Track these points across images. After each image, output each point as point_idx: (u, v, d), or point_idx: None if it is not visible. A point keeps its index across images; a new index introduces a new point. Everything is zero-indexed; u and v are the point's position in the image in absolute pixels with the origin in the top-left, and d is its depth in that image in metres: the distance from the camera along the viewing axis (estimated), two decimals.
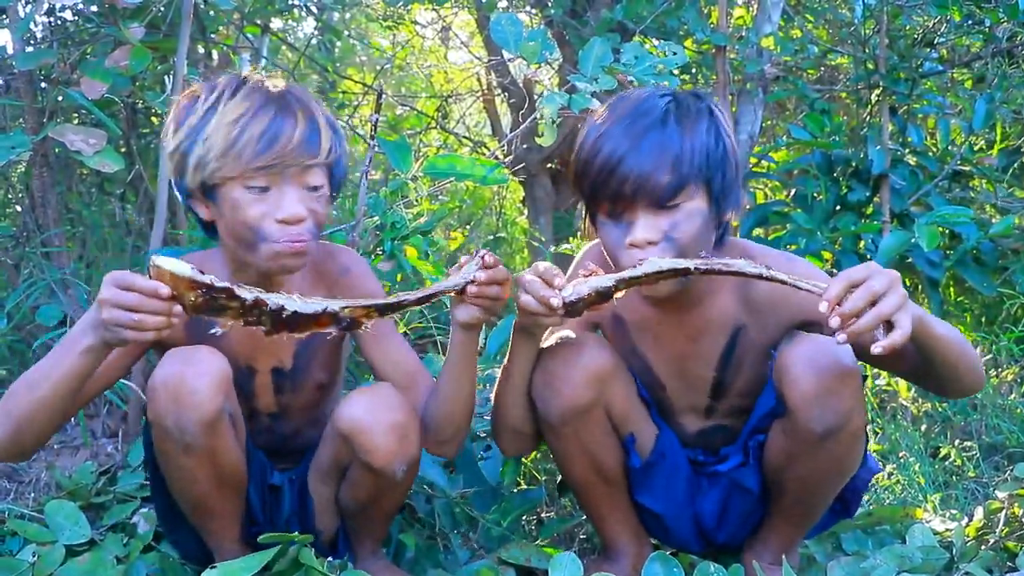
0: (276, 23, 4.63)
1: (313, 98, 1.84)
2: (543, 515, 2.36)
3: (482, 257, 1.69)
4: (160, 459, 1.80)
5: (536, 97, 2.53)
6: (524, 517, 2.30)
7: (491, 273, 1.67)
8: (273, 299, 1.53)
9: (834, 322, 1.47)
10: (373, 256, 2.55)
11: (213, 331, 1.59)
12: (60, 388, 1.65)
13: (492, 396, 1.92)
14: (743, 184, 1.83)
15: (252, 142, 1.69)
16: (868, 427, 2.02)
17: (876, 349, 1.47)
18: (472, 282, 1.66)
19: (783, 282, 1.54)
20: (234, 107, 1.72)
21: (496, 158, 3.09)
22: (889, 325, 1.48)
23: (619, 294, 1.62)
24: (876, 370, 3.02)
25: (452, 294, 1.68)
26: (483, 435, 2.46)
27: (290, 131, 1.71)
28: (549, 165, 4.64)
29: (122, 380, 2.63)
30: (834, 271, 3.34)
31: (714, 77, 3.69)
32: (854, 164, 3.43)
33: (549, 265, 1.66)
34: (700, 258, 1.58)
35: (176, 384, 1.68)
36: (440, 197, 4.19)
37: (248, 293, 1.51)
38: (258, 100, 1.73)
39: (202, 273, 1.50)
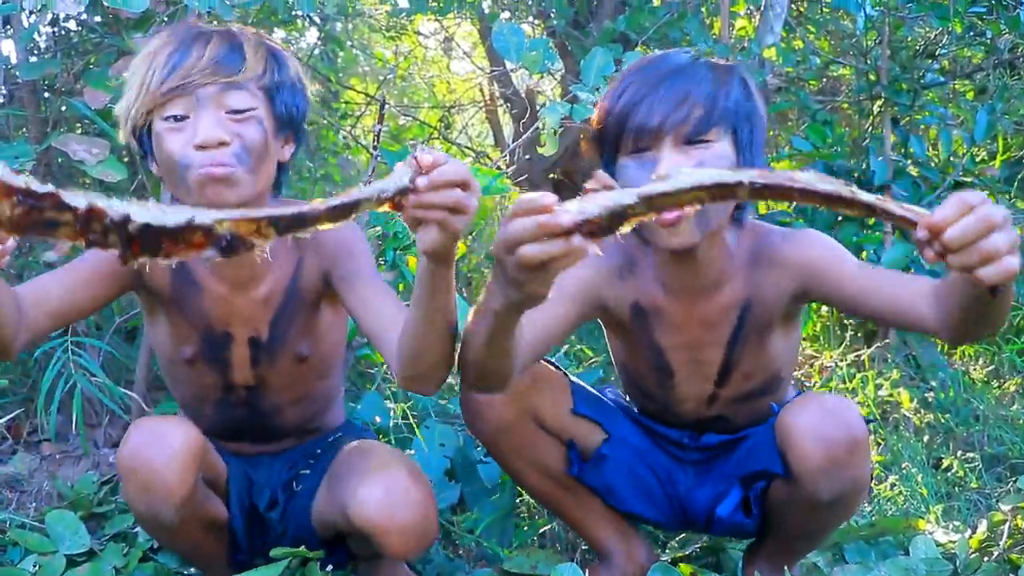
0: (279, 33, 4.64)
1: (253, 30, 1.74)
2: (533, 508, 2.35)
3: (414, 158, 1.25)
4: (140, 525, 1.80)
5: (538, 107, 2.53)
6: (516, 511, 2.31)
7: (434, 175, 1.23)
8: (115, 207, 1.03)
9: (929, 254, 1.16)
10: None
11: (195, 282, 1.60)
12: None
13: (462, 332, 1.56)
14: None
15: (159, 68, 1.62)
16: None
17: (990, 279, 1.15)
18: (410, 190, 1.24)
19: (868, 205, 1.14)
20: (151, 45, 1.67)
21: (498, 168, 3.09)
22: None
23: (630, 223, 1.16)
24: (877, 380, 3.02)
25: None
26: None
27: (199, 52, 1.62)
28: (551, 175, 4.64)
29: (124, 391, 2.63)
30: None
31: None
32: (856, 175, 3.43)
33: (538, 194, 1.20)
34: (753, 172, 1.15)
35: (145, 471, 1.63)
36: None
37: (81, 200, 1.01)
38: (176, 35, 1.67)
39: (17, 175, 1.00)
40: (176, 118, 1.62)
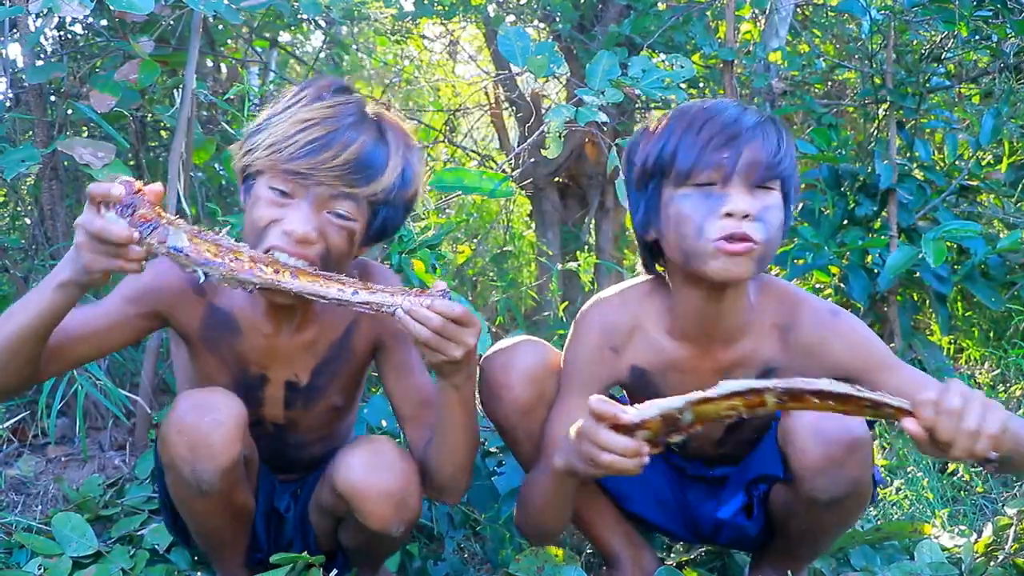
0: (284, 37, 4.65)
1: (407, 139, 1.72)
2: None
3: (436, 294, 1.55)
4: (173, 497, 1.80)
5: (543, 111, 2.54)
6: None
7: (440, 307, 1.52)
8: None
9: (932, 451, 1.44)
10: None
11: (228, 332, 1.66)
12: (34, 322, 1.56)
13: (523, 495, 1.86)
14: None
15: (299, 144, 1.60)
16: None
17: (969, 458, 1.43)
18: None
19: (872, 401, 1.38)
20: (311, 110, 1.64)
21: (503, 172, 3.09)
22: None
23: (680, 433, 1.44)
24: None
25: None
26: (495, 450, 2.46)
27: (340, 149, 1.60)
28: (557, 179, 4.64)
29: (129, 394, 2.64)
30: (842, 285, 3.34)
31: (721, 91, 3.69)
32: (861, 178, 3.43)
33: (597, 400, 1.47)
34: (778, 380, 1.39)
35: (192, 433, 1.65)
36: (447, 211, 4.19)
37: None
38: (339, 112, 1.65)
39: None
40: (281, 192, 1.62)
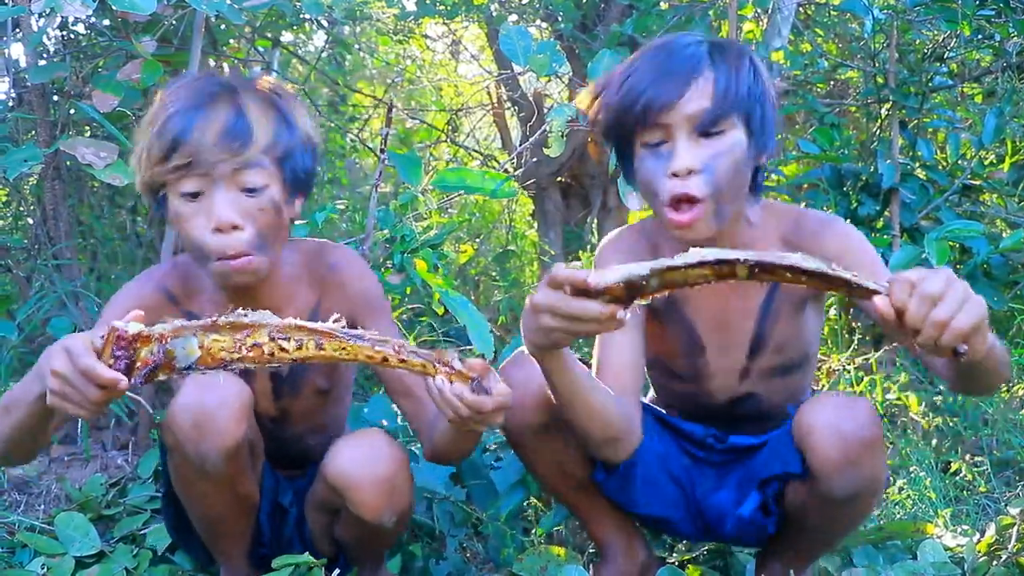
0: (287, 37, 4.65)
1: (266, 87, 1.71)
2: (541, 511, 2.35)
3: (474, 377, 1.48)
4: (177, 482, 1.80)
5: (546, 110, 2.54)
6: (523, 514, 2.31)
7: (470, 402, 1.49)
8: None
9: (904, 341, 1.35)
10: (383, 269, 2.56)
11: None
12: (32, 418, 1.56)
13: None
14: (778, 130, 1.81)
15: (165, 138, 1.60)
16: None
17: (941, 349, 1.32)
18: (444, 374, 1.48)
19: (845, 281, 1.32)
20: (159, 104, 1.64)
21: (506, 171, 3.09)
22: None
23: (645, 297, 1.37)
24: (885, 384, 3.01)
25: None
26: (494, 446, 2.46)
27: (202, 124, 1.60)
28: (559, 179, 4.64)
29: (130, 394, 2.63)
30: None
31: None
32: (864, 178, 3.43)
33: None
34: (749, 252, 1.32)
35: (197, 413, 1.65)
36: (450, 210, 4.19)
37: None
38: (183, 94, 1.64)
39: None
40: (192, 195, 1.63)
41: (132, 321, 1.39)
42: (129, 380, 1.37)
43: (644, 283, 1.33)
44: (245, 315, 1.42)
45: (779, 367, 1.88)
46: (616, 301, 1.36)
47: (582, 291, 1.36)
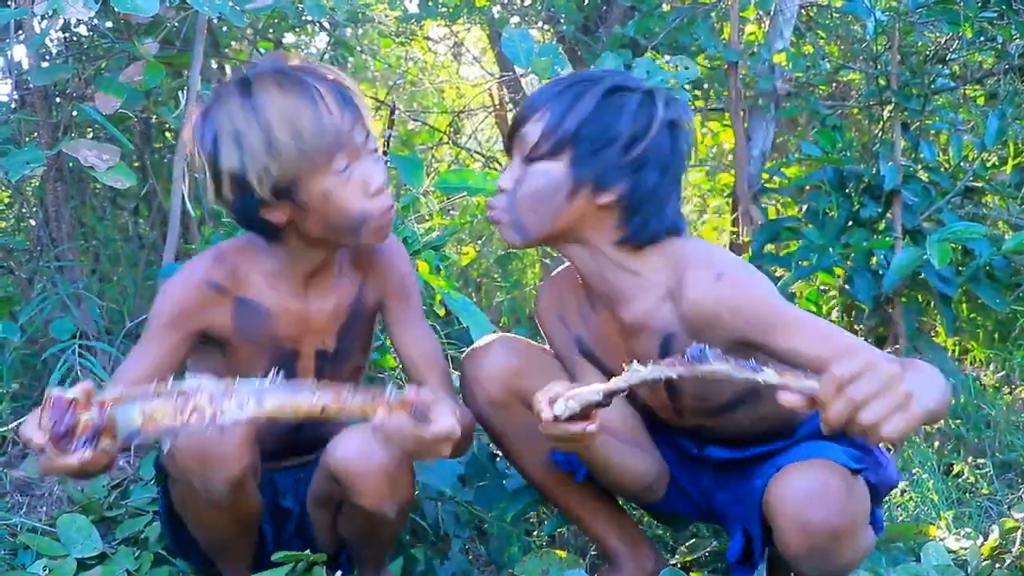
0: (289, 38, 4.65)
1: (321, 65, 1.78)
2: (544, 513, 2.35)
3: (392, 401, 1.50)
4: (180, 507, 1.80)
5: None
6: (526, 517, 2.31)
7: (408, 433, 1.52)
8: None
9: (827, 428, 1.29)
10: None
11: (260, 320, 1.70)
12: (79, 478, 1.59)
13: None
14: (679, 184, 1.80)
15: (320, 127, 1.64)
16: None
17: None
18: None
19: (777, 387, 1.33)
20: (285, 101, 1.65)
21: None
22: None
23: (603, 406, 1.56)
24: None
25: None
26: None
27: (330, 107, 1.66)
28: None
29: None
30: (846, 287, 3.33)
31: (726, 93, 3.69)
32: (866, 180, 3.42)
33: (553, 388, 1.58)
34: (684, 366, 1.39)
35: (203, 444, 1.64)
36: (452, 212, 4.19)
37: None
38: (298, 86, 1.67)
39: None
40: (342, 172, 1.68)
41: (78, 389, 1.38)
42: (71, 445, 1.36)
43: (601, 400, 1.53)
44: (180, 384, 1.42)
45: (715, 408, 1.81)
46: (583, 418, 1.56)
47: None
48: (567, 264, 1.90)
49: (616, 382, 1.50)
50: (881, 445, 1.73)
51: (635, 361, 1.47)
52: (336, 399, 1.45)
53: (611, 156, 1.70)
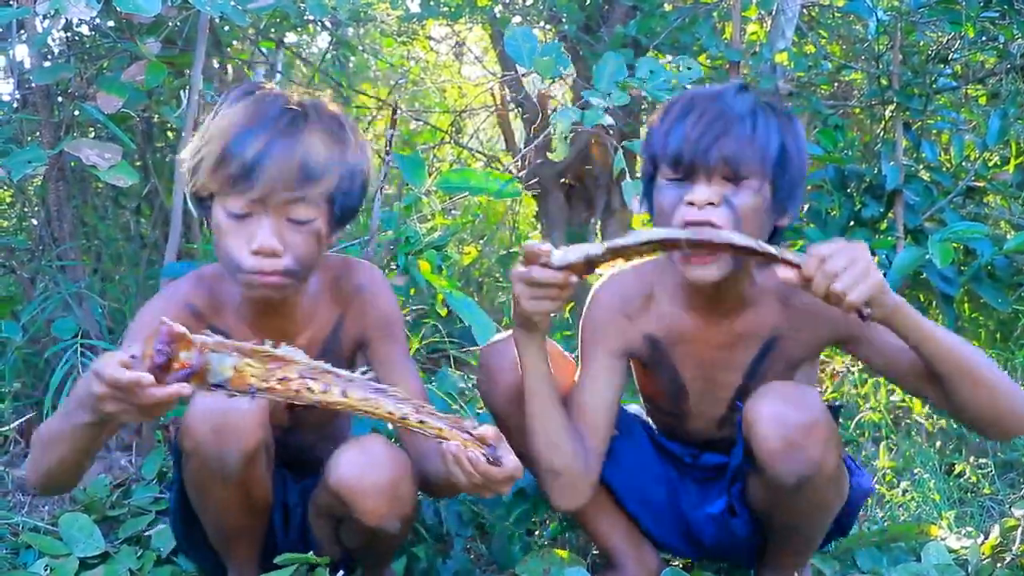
0: (291, 38, 4.66)
1: (340, 121, 1.73)
2: (546, 514, 2.35)
3: (486, 448, 1.51)
4: (193, 487, 1.79)
5: (550, 112, 2.54)
6: (532, 519, 2.31)
7: (483, 472, 1.51)
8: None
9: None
10: (387, 271, 2.56)
11: None
12: (77, 451, 1.57)
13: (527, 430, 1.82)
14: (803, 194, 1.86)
15: (238, 163, 1.60)
16: (853, 452, 2.00)
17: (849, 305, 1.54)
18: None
19: (771, 255, 1.56)
20: (234, 114, 1.64)
21: (510, 172, 3.09)
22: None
23: (606, 265, 1.60)
24: (891, 385, 3.01)
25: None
26: None
27: (276, 155, 1.60)
28: (563, 180, 4.64)
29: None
30: None
31: None
32: (868, 180, 3.42)
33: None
34: (690, 231, 1.59)
35: (218, 417, 1.65)
36: (454, 212, 4.19)
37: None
38: (253, 112, 1.65)
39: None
40: (237, 216, 1.64)
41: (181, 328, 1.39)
42: (165, 379, 1.36)
43: (600, 258, 1.58)
44: (277, 349, 1.44)
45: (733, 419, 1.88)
46: (576, 273, 1.59)
47: (546, 265, 1.58)
48: (637, 264, 1.86)
49: (619, 240, 1.57)
50: (859, 366, 1.78)
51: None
52: (417, 414, 1.47)
53: (796, 179, 1.75)
